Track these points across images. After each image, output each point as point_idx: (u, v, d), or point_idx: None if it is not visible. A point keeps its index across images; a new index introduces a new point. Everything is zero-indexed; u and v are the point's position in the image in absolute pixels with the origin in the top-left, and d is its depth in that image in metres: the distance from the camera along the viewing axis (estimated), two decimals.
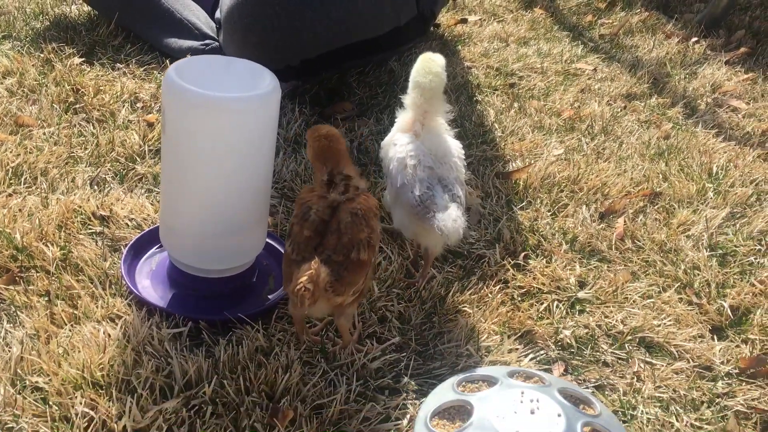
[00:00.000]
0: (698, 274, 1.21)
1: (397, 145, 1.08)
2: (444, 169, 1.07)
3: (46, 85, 1.53)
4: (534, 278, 1.18)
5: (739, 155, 1.58)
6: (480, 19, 2.18)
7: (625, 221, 1.33)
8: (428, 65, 1.09)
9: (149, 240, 1.14)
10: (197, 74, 0.97)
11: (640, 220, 1.34)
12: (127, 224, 1.19)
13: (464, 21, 2.14)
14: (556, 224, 1.31)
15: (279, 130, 1.41)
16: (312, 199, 0.96)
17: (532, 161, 1.47)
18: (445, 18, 2.14)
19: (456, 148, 1.11)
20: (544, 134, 1.59)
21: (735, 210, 1.39)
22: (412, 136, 1.08)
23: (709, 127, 1.69)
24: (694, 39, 2.12)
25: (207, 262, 1.03)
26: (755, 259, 1.26)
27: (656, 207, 1.38)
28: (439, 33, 2.05)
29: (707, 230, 1.31)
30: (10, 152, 1.31)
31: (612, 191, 1.41)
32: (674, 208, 1.38)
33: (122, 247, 1.13)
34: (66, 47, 1.68)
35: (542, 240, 1.27)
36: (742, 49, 2.06)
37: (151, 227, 1.16)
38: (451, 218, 1.01)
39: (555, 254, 1.24)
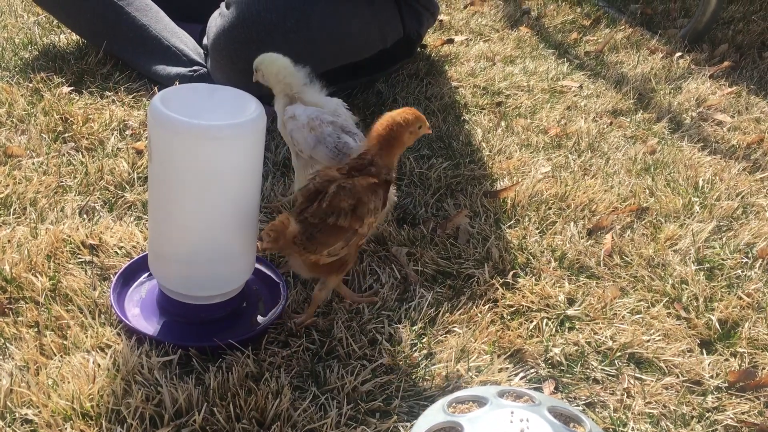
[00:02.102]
0: (686, 289, 1.22)
1: (295, 116, 1.19)
2: (341, 119, 1.19)
3: (35, 115, 1.54)
4: (523, 296, 1.18)
5: (725, 169, 1.59)
6: (466, 39, 2.20)
7: (612, 237, 1.34)
8: (274, 62, 1.24)
9: (138, 268, 1.14)
10: (182, 103, 0.97)
11: (628, 235, 1.35)
12: (116, 252, 1.19)
13: (450, 41, 2.16)
14: (545, 242, 1.32)
15: (267, 154, 1.42)
16: (322, 172, 1.05)
17: (520, 179, 1.48)
18: (431, 39, 2.16)
19: (338, 102, 1.24)
20: (531, 152, 1.61)
21: (721, 223, 1.40)
22: (301, 105, 1.20)
23: (694, 141, 1.70)
24: (678, 54, 2.15)
25: (196, 289, 1.04)
26: (742, 271, 1.27)
27: (643, 222, 1.39)
28: (426, 53, 2.07)
29: (694, 244, 1.32)
30: None
31: (599, 207, 1.42)
32: (661, 223, 1.39)
33: (111, 276, 1.13)
34: (55, 76, 1.70)
35: (531, 258, 1.27)
36: (726, 63, 2.08)
37: (140, 255, 1.17)
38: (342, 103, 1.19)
39: (544, 272, 1.24)
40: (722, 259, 1.30)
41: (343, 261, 1.05)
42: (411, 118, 1.07)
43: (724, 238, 1.36)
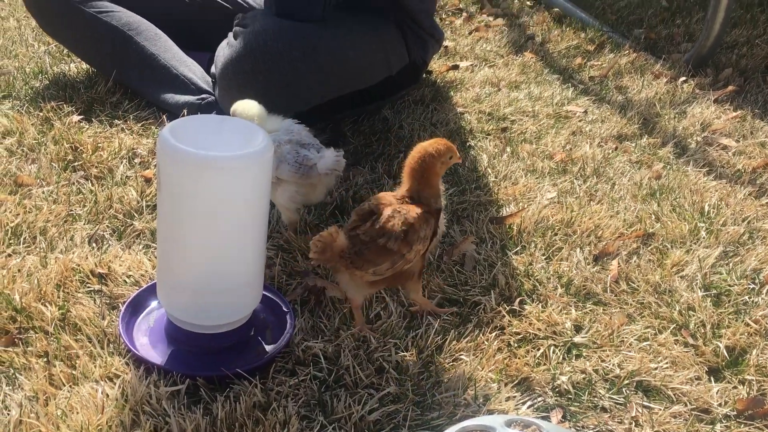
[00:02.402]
0: (693, 315, 1.22)
1: None
2: (296, 135, 1.25)
3: (45, 144, 1.56)
4: (530, 324, 1.18)
5: (731, 193, 1.59)
6: (471, 65, 2.22)
7: (619, 263, 1.34)
8: (249, 111, 1.27)
9: (147, 297, 1.15)
10: (191, 134, 0.99)
11: (634, 261, 1.35)
12: (125, 281, 1.20)
13: (456, 67, 2.18)
14: (551, 268, 1.32)
15: None
16: (379, 195, 1.12)
17: (526, 205, 1.49)
18: (436, 65, 2.18)
19: (290, 122, 1.29)
20: (536, 178, 1.61)
21: (728, 249, 1.40)
22: None
23: (699, 166, 1.71)
24: (683, 78, 2.16)
25: (204, 318, 1.04)
26: (749, 298, 1.27)
27: (650, 248, 1.39)
28: (432, 80, 2.08)
29: (701, 270, 1.32)
30: (10, 212, 1.33)
31: (605, 233, 1.42)
32: (667, 249, 1.39)
33: (120, 305, 1.14)
34: (65, 105, 1.72)
35: (537, 284, 1.28)
36: (730, 87, 2.09)
37: (148, 283, 1.18)
38: (332, 156, 1.22)
39: (550, 298, 1.24)
40: (729, 285, 1.30)
41: (407, 274, 1.11)
42: (443, 149, 1.11)
43: (730, 264, 1.35)
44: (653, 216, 1.49)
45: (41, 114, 1.68)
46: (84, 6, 1.75)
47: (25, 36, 2.17)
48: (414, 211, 1.08)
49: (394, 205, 1.09)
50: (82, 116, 1.69)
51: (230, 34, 1.55)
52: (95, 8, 1.75)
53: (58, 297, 1.14)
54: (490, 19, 2.66)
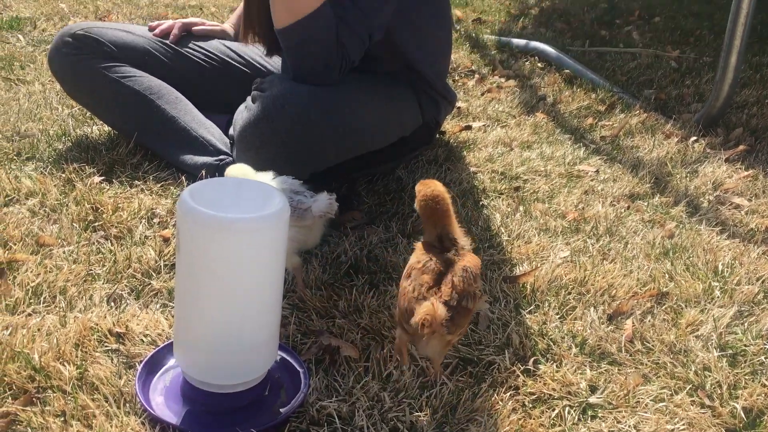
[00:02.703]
0: (709, 376, 1.21)
1: None
2: (288, 185, 1.31)
3: (67, 205, 1.60)
4: (545, 384, 1.18)
5: (744, 252, 1.59)
6: (484, 125, 2.26)
7: (633, 323, 1.34)
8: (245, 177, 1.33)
9: (164, 356, 1.16)
10: (210, 196, 1.02)
11: (649, 321, 1.35)
12: (142, 340, 1.21)
13: (468, 128, 2.22)
14: (565, 327, 1.32)
15: None
16: (431, 256, 1.14)
17: (539, 264, 1.50)
18: (449, 125, 2.22)
19: (282, 177, 1.35)
20: (549, 237, 1.63)
21: (742, 308, 1.39)
22: None
23: (712, 225, 1.71)
24: (693, 138, 2.18)
25: (220, 378, 1.05)
26: (765, 358, 1.26)
27: (664, 307, 1.39)
28: (445, 140, 2.12)
29: (716, 330, 1.32)
30: (31, 272, 1.36)
31: (619, 292, 1.42)
32: (682, 308, 1.39)
33: (137, 364, 1.15)
34: (87, 167, 1.76)
35: (551, 344, 1.28)
36: (741, 147, 2.11)
37: (165, 343, 1.19)
38: (325, 199, 1.27)
39: (565, 358, 1.24)
40: (745, 345, 1.29)
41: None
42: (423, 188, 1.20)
43: (745, 324, 1.35)
44: (667, 275, 1.50)
45: (64, 175, 1.73)
46: (108, 71, 1.81)
47: (50, 100, 2.24)
48: (472, 260, 1.14)
49: (458, 262, 1.13)
50: (103, 177, 1.73)
51: (249, 98, 1.59)
52: (119, 73, 1.81)
53: (77, 356, 1.16)
54: (502, 80, 2.71)
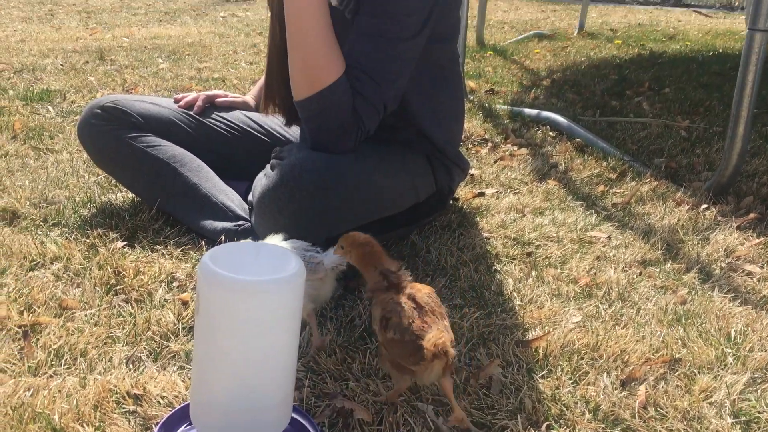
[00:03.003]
0: None
1: None
2: (298, 244, 1.37)
3: (90, 269, 1.65)
4: None
5: (757, 319, 1.60)
6: (497, 192, 2.30)
7: (646, 388, 1.34)
8: None
9: (180, 417, 1.18)
10: (230, 260, 1.06)
11: (662, 387, 1.35)
12: (158, 402, 1.23)
13: (482, 194, 2.27)
14: (578, 392, 1.33)
15: None
16: (393, 296, 1.19)
17: (551, 329, 1.51)
18: (463, 191, 2.27)
19: (291, 240, 1.41)
20: (562, 302, 1.64)
21: (756, 375, 1.39)
22: None
23: (724, 292, 1.72)
24: (704, 206, 2.21)
25: None
26: None
27: (677, 373, 1.40)
28: (458, 206, 2.16)
29: (729, 396, 1.32)
30: (54, 335, 1.40)
31: (632, 358, 1.43)
32: (695, 374, 1.39)
33: (153, 426, 1.17)
34: (110, 232, 1.82)
35: (564, 409, 1.28)
36: (752, 215, 2.13)
37: (181, 404, 1.21)
38: (335, 256, 1.33)
39: (578, 424, 1.24)
40: (758, 412, 1.29)
41: None
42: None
43: (759, 391, 1.35)
44: (680, 341, 1.50)
45: (88, 240, 1.78)
46: (134, 141, 1.89)
47: (77, 168, 2.32)
48: (424, 287, 1.22)
49: (418, 292, 1.19)
50: (126, 242, 1.78)
51: (267, 166, 1.65)
52: (144, 143, 1.89)
53: (95, 417, 1.18)
54: (515, 148, 2.77)
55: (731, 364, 1.43)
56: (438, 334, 1.11)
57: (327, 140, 1.61)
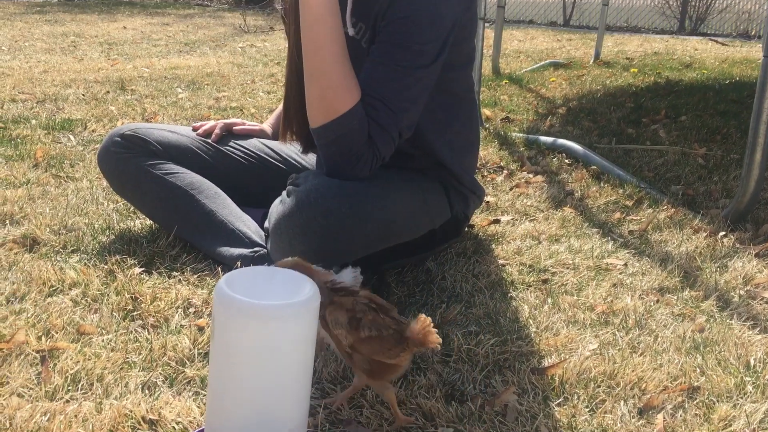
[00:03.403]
0: None
1: None
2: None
3: (108, 295, 1.66)
4: None
5: None
6: (512, 219, 2.30)
7: (664, 417, 1.32)
8: None
9: None
10: (245, 285, 1.07)
11: (680, 415, 1.34)
12: (173, 427, 1.24)
13: (497, 221, 2.27)
14: (595, 421, 1.31)
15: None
16: (355, 298, 1.21)
17: (567, 356, 1.50)
18: (478, 219, 2.27)
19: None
20: (578, 329, 1.63)
21: None
22: None
23: (743, 320, 1.70)
24: (722, 233, 2.19)
25: None
26: None
27: (695, 402, 1.38)
28: (474, 233, 2.17)
29: (749, 425, 1.30)
30: (71, 360, 1.41)
31: (649, 386, 1.42)
32: (714, 403, 1.37)
33: None
34: (128, 258, 1.84)
35: None
36: None
37: (196, 430, 1.21)
38: (350, 273, 1.28)
39: None
40: None
41: None
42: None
43: None
44: (698, 369, 1.48)
45: (106, 267, 1.80)
46: (153, 168, 1.92)
47: (96, 195, 2.35)
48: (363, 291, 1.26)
49: (363, 293, 1.23)
50: (143, 269, 1.80)
51: (284, 193, 1.67)
52: (163, 170, 1.92)
53: None
54: (530, 176, 2.78)
55: (751, 392, 1.41)
56: (422, 318, 1.17)
57: (343, 167, 1.62)
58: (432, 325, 1.17)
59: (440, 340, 1.18)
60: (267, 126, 2.19)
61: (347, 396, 1.31)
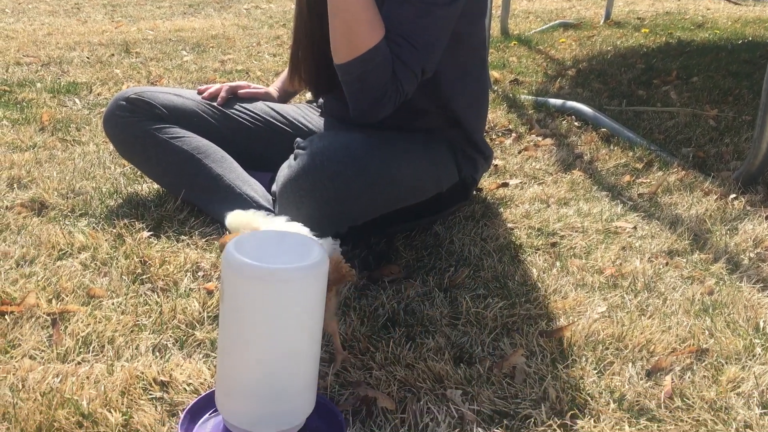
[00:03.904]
0: None
1: None
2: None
3: (117, 258, 1.67)
4: None
5: None
6: (521, 182, 2.29)
7: (672, 379, 1.33)
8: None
9: (205, 404, 1.19)
10: (253, 248, 1.06)
11: (688, 377, 1.34)
12: (185, 389, 1.25)
13: (505, 185, 2.25)
14: (603, 382, 1.32)
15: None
16: None
17: (576, 319, 1.50)
18: (486, 182, 2.26)
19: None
20: (586, 292, 1.63)
21: None
22: None
23: (753, 282, 1.70)
24: (733, 196, 2.18)
25: (260, 425, 1.08)
26: None
27: (704, 364, 1.38)
28: (482, 197, 2.15)
29: (758, 387, 1.30)
30: (81, 323, 1.42)
31: (657, 348, 1.42)
32: (722, 365, 1.38)
33: (180, 412, 1.18)
34: (136, 222, 1.84)
35: (589, 399, 1.27)
36: None
37: (207, 391, 1.22)
38: (330, 243, 1.27)
39: (603, 414, 1.24)
40: None
41: None
42: None
43: None
44: (707, 332, 1.48)
45: (114, 230, 1.80)
46: (159, 132, 1.91)
47: (103, 159, 2.35)
48: None
49: None
50: (151, 232, 1.80)
51: (291, 156, 1.66)
52: (168, 134, 1.91)
53: (122, 403, 1.20)
54: (539, 139, 2.75)
55: (760, 354, 1.41)
56: (333, 259, 1.20)
57: (367, 104, 1.63)
58: (343, 260, 1.22)
59: (353, 270, 1.24)
60: (273, 89, 2.17)
61: (338, 344, 1.35)
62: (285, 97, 2.19)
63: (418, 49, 1.63)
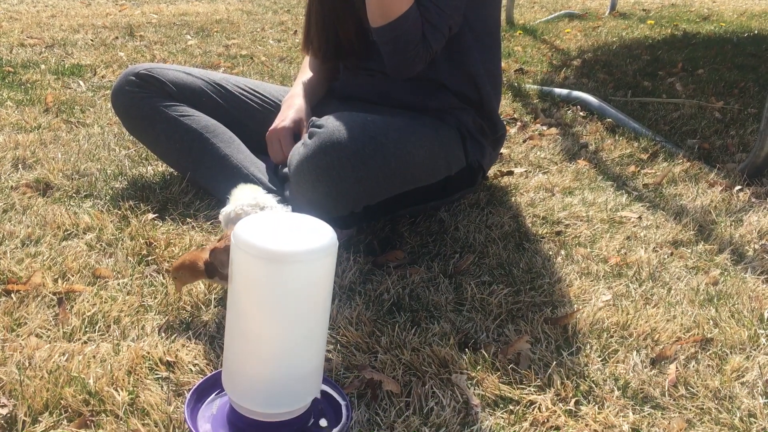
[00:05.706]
0: (755, 422, 1.20)
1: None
2: (261, 202, 1.52)
3: (122, 240, 1.67)
4: (586, 425, 1.18)
5: None
6: (525, 171, 2.29)
7: (677, 367, 1.33)
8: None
9: (212, 384, 1.19)
10: (262, 229, 1.06)
11: (693, 366, 1.34)
12: (191, 369, 1.25)
13: (510, 173, 2.25)
14: (607, 370, 1.32)
15: (335, 278, 1.48)
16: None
17: (580, 307, 1.50)
18: (492, 170, 2.25)
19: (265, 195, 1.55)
20: (591, 280, 1.63)
21: None
22: None
23: (757, 273, 1.70)
24: (738, 187, 2.18)
25: (266, 406, 1.08)
26: None
27: (708, 353, 1.38)
28: (487, 184, 2.15)
29: (762, 377, 1.30)
30: (87, 302, 1.42)
31: (662, 337, 1.42)
32: (727, 354, 1.38)
33: (186, 392, 1.19)
34: (141, 204, 1.84)
35: (593, 386, 1.28)
36: None
37: (213, 372, 1.23)
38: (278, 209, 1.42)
39: (607, 400, 1.24)
40: None
41: None
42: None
43: None
44: (711, 321, 1.49)
45: (119, 212, 1.80)
46: (167, 110, 1.90)
47: (108, 141, 2.34)
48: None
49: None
50: (156, 215, 1.80)
51: (305, 135, 1.65)
52: (177, 112, 1.91)
53: (129, 382, 1.20)
54: (544, 128, 2.75)
55: (764, 344, 1.41)
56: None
57: (400, 61, 1.76)
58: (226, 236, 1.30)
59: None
60: (303, 102, 2.07)
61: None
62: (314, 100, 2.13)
63: (444, 9, 1.75)
